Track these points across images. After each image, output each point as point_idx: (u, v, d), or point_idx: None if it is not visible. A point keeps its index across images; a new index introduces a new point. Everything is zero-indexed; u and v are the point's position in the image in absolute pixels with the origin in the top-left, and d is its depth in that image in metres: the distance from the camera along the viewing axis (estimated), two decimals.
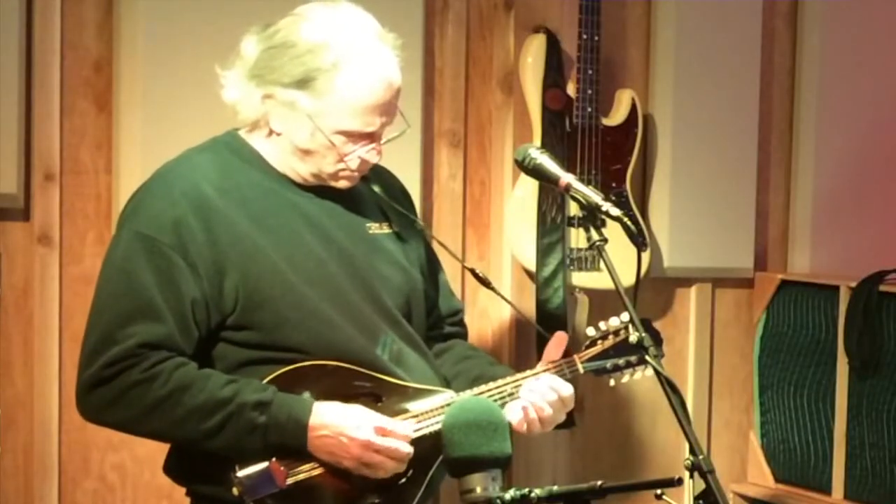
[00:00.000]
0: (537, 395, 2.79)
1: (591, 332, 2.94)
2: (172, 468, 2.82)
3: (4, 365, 3.57)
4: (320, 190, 2.80)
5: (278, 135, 2.75)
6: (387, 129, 2.78)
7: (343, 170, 2.76)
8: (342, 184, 2.79)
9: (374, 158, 2.77)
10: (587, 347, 2.92)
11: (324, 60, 2.68)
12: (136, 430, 2.72)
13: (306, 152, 2.74)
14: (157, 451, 3.61)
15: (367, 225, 2.85)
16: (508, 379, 2.82)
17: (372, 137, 2.75)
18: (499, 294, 3.08)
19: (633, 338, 2.57)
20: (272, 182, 2.78)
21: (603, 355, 2.92)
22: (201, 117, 3.54)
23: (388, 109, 2.75)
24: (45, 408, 3.60)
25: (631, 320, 2.61)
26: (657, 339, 2.90)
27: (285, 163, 2.78)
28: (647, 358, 2.53)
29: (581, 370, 2.89)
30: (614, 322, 2.91)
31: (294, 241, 2.74)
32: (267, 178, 2.78)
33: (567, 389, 2.83)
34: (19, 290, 3.58)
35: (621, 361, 2.93)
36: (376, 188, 2.90)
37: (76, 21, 3.59)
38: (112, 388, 2.64)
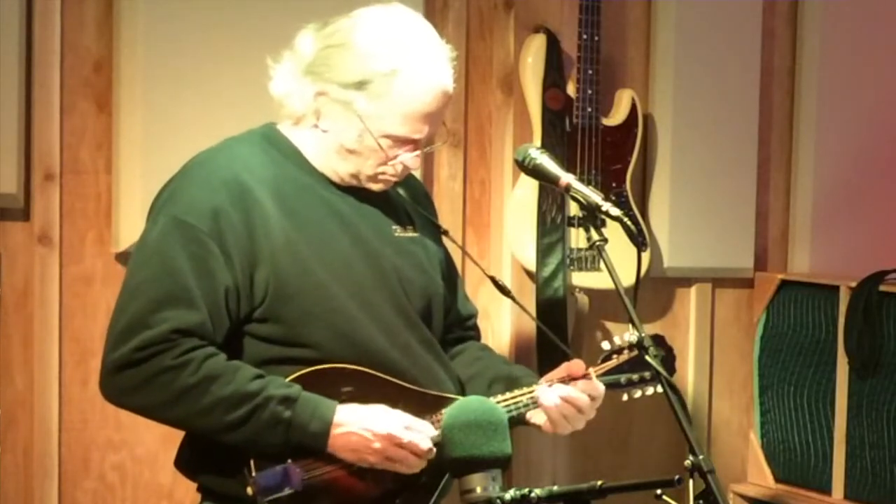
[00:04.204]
0: (556, 396, 2.82)
1: (605, 345, 2.95)
2: (185, 462, 2.82)
3: (4, 365, 3.57)
4: (352, 190, 2.82)
5: (324, 132, 2.77)
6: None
7: (382, 173, 2.79)
8: (378, 187, 2.82)
9: (416, 165, 2.81)
10: (602, 361, 2.93)
11: (384, 64, 2.70)
12: (159, 416, 2.71)
13: (351, 152, 2.76)
14: (157, 451, 3.64)
15: (393, 227, 2.87)
16: (525, 391, 2.84)
17: (416, 144, 2.78)
18: (518, 304, 3.10)
19: (633, 337, 2.57)
20: (307, 177, 2.79)
21: (617, 370, 2.93)
22: (201, 117, 3.55)
23: (437, 118, 2.79)
24: (45, 408, 3.59)
25: (631, 321, 2.61)
26: (671, 356, 2.92)
27: (324, 160, 2.80)
28: (647, 358, 2.54)
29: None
30: (629, 337, 2.90)
31: (325, 237, 2.75)
32: (302, 174, 2.79)
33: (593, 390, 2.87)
34: (19, 290, 3.58)
35: (635, 377, 2.93)
36: (402, 191, 2.93)
37: (76, 21, 3.59)
38: (141, 372, 2.63)
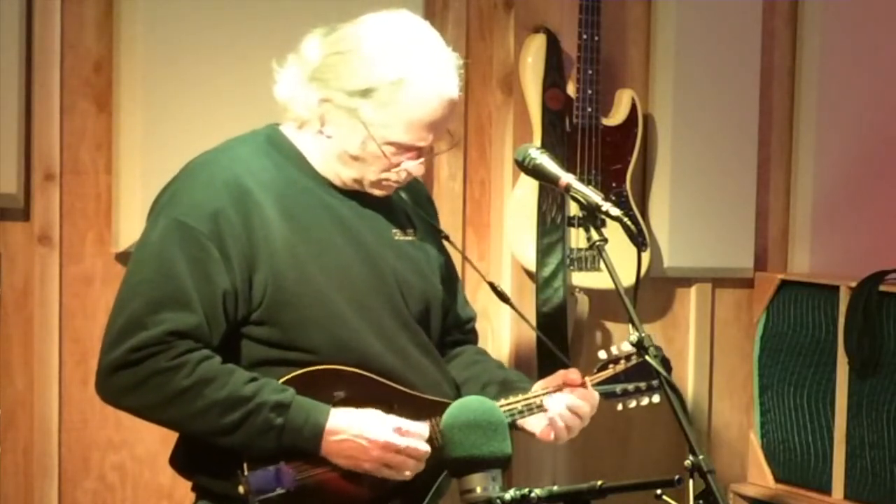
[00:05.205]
0: (563, 405, 2.82)
1: (602, 355, 2.95)
2: (179, 461, 2.82)
3: (4, 365, 3.57)
4: (354, 194, 2.82)
5: (328, 137, 2.76)
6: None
7: (386, 179, 2.78)
8: (380, 192, 2.82)
9: (419, 172, 2.80)
10: (599, 370, 2.93)
11: (390, 73, 2.69)
12: (153, 417, 2.71)
13: (354, 158, 2.75)
14: (157, 451, 3.64)
15: (394, 231, 2.86)
16: (521, 397, 2.83)
17: (421, 151, 2.77)
18: (517, 311, 3.11)
19: (634, 337, 2.56)
20: (309, 181, 2.79)
21: (614, 379, 2.93)
22: (201, 117, 3.55)
23: (442, 126, 2.78)
24: (45, 408, 3.59)
25: (631, 321, 2.61)
26: (667, 366, 2.91)
27: (327, 165, 2.80)
28: (647, 358, 2.53)
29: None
30: (626, 347, 2.90)
31: (324, 241, 2.75)
32: (304, 177, 2.79)
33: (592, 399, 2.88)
34: (19, 290, 3.58)
35: (631, 387, 2.94)
36: (404, 194, 2.93)
37: (76, 21, 3.59)
38: (136, 373, 2.64)
